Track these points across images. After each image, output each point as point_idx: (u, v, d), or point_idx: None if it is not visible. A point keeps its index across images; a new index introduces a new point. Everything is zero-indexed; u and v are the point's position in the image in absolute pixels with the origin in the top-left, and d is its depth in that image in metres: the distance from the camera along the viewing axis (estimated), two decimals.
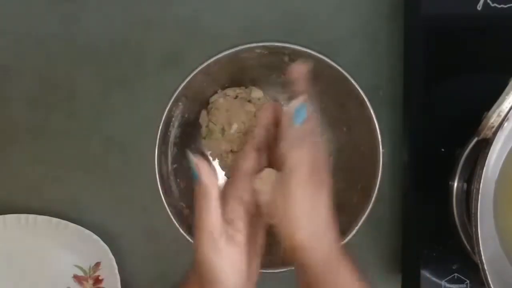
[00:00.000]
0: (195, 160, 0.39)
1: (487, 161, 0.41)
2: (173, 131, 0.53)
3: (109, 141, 0.59)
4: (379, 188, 0.51)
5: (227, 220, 0.40)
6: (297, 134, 0.40)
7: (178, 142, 0.54)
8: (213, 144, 0.55)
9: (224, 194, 0.41)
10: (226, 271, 0.39)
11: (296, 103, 0.41)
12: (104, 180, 0.59)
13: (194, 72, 0.50)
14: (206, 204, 0.39)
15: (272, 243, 0.45)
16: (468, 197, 0.50)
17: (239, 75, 0.55)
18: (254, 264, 0.42)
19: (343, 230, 0.51)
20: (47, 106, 0.59)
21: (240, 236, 0.40)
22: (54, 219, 0.57)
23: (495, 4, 0.53)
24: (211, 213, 0.38)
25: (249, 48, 0.51)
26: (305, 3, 0.59)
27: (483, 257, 0.41)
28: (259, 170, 0.42)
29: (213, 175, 0.39)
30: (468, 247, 0.51)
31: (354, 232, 0.51)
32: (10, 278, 0.58)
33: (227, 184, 0.43)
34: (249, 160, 0.42)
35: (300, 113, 0.40)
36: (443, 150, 0.53)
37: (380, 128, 0.51)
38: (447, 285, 0.52)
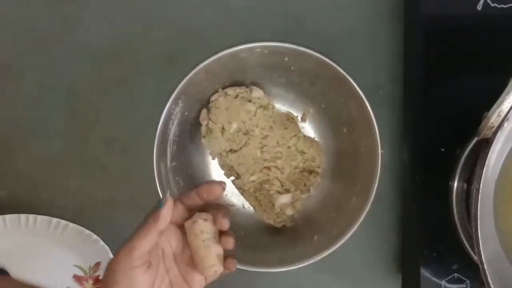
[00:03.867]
0: (168, 196, 0.42)
1: (487, 161, 0.41)
2: (173, 129, 0.53)
3: (109, 141, 0.59)
4: (378, 188, 0.51)
5: (151, 260, 0.41)
6: None
7: (177, 140, 0.54)
8: (212, 143, 0.55)
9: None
10: (122, 286, 0.40)
11: None
12: (104, 180, 0.59)
13: (195, 70, 0.50)
14: (147, 229, 0.40)
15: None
16: (468, 197, 0.50)
17: (239, 75, 0.55)
18: None
19: (343, 230, 0.51)
20: (47, 106, 0.59)
21: (151, 271, 0.41)
22: (54, 219, 0.57)
23: (495, 4, 0.53)
24: (145, 238, 0.40)
25: (249, 47, 0.51)
26: (305, 3, 0.59)
27: (483, 257, 0.41)
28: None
29: (171, 215, 0.42)
30: (468, 247, 0.51)
31: (353, 232, 0.51)
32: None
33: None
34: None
35: None
36: (443, 150, 0.53)
37: (380, 129, 0.51)
38: (447, 285, 0.52)
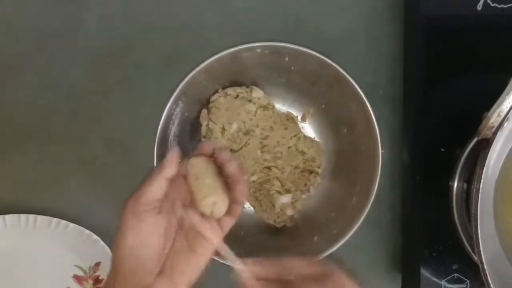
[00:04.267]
0: (174, 147, 0.42)
1: (487, 161, 0.41)
2: (173, 129, 0.53)
3: (109, 141, 0.59)
4: (378, 188, 0.51)
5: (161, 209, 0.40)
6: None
7: (178, 141, 0.54)
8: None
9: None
10: (132, 234, 0.40)
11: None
12: (104, 180, 0.59)
13: (196, 70, 0.50)
14: (154, 176, 0.40)
15: None
16: (468, 197, 0.50)
17: (240, 75, 0.55)
18: (177, 271, 0.41)
19: (343, 230, 0.51)
20: (47, 106, 0.59)
21: (160, 217, 0.40)
22: (54, 219, 0.57)
23: (495, 4, 0.53)
24: (153, 184, 0.40)
25: (249, 47, 0.51)
26: (306, 3, 0.59)
27: (483, 257, 0.41)
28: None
29: (176, 163, 0.41)
30: (468, 247, 0.51)
31: (353, 232, 0.51)
32: (10, 278, 0.58)
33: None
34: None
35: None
36: (443, 150, 0.53)
37: (380, 129, 0.51)
38: (447, 285, 0.52)
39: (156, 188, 0.40)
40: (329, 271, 0.38)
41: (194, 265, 0.42)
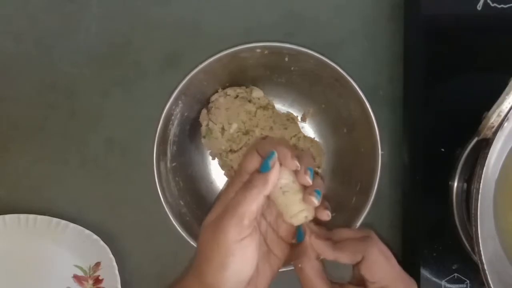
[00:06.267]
0: (275, 157, 0.39)
1: (487, 161, 0.41)
2: (173, 130, 0.53)
3: (109, 141, 0.59)
4: (378, 188, 0.51)
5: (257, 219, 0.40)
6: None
7: (177, 141, 0.54)
8: (212, 143, 0.55)
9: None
10: (238, 261, 0.38)
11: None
12: (104, 180, 0.59)
13: (195, 70, 0.50)
14: (256, 193, 0.38)
15: None
16: (468, 197, 0.50)
17: (239, 75, 0.55)
18: (260, 275, 0.42)
19: None
20: (47, 106, 0.59)
21: (257, 236, 0.39)
22: (54, 219, 0.57)
23: (495, 4, 0.53)
24: (254, 203, 0.38)
25: (249, 48, 0.51)
26: (306, 3, 0.59)
27: (483, 257, 0.41)
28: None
29: (276, 179, 0.39)
30: (468, 247, 0.51)
31: None
32: (10, 278, 0.58)
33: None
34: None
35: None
36: (443, 150, 0.53)
37: (379, 129, 0.51)
38: (447, 285, 0.52)
39: (257, 207, 0.38)
40: (367, 233, 0.43)
41: (274, 268, 0.43)
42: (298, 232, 0.42)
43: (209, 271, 0.38)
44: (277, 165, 0.39)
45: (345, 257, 0.42)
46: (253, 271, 0.39)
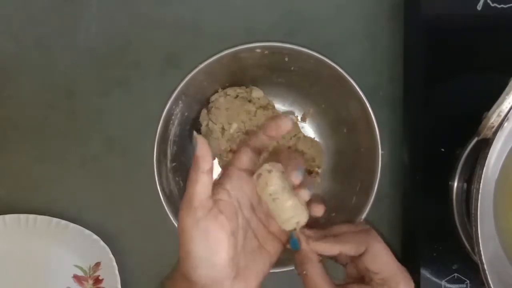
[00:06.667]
0: (196, 134, 0.39)
1: (487, 161, 0.41)
2: (173, 130, 0.53)
3: (109, 141, 0.59)
4: (378, 188, 0.51)
5: (221, 209, 0.39)
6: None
7: (178, 141, 0.54)
8: (212, 143, 0.55)
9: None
10: (199, 244, 0.37)
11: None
12: (104, 180, 0.59)
13: (195, 71, 0.50)
14: (194, 175, 0.38)
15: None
16: (468, 197, 0.50)
17: (239, 75, 0.55)
18: (251, 271, 0.41)
19: None
20: (47, 106, 0.59)
21: (223, 218, 0.39)
22: (54, 219, 0.57)
23: (495, 4, 0.53)
24: (196, 184, 0.38)
25: (249, 48, 0.51)
26: (306, 3, 0.59)
27: (483, 257, 0.41)
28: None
29: (209, 152, 0.39)
30: (468, 247, 0.51)
31: None
32: (10, 278, 0.58)
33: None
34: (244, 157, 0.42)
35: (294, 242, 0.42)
36: (443, 150, 0.53)
37: (379, 129, 0.51)
38: (447, 285, 0.52)
39: (201, 187, 0.38)
40: (365, 228, 0.44)
41: (266, 264, 0.42)
42: (292, 240, 0.42)
43: (180, 261, 0.39)
44: (200, 140, 0.38)
45: (349, 249, 0.42)
46: (228, 259, 0.38)
